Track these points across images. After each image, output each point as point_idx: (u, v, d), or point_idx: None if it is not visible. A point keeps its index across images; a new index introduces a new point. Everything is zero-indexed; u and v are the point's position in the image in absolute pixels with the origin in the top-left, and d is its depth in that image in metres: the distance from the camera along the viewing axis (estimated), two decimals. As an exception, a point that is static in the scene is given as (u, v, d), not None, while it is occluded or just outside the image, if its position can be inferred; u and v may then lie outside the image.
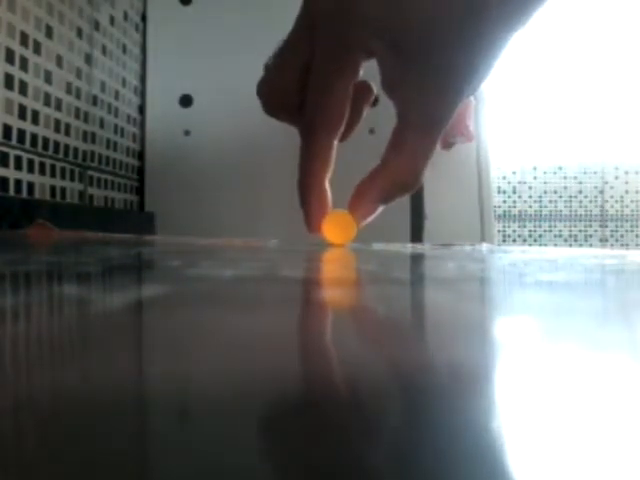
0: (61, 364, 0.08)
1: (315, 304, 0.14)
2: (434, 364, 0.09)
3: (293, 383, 0.07)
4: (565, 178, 2.53)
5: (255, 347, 0.09)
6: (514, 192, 2.55)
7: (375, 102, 0.38)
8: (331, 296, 0.16)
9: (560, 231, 2.54)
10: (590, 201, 2.53)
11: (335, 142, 0.35)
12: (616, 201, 2.53)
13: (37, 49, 0.76)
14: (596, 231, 2.54)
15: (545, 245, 2.54)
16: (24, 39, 0.73)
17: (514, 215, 2.56)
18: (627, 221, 2.53)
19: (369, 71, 0.34)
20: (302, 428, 0.06)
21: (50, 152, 0.79)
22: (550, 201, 2.54)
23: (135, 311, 0.12)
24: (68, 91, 0.84)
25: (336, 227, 0.36)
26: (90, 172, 0.91)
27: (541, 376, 0.07)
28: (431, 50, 0.31)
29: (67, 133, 0.84)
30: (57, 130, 0.81)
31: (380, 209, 0.35)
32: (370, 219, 0.36)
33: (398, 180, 0.34)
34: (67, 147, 0.84)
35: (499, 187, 2.52)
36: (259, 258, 0.32)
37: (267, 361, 0.08)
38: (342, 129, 0.35)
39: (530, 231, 2.55)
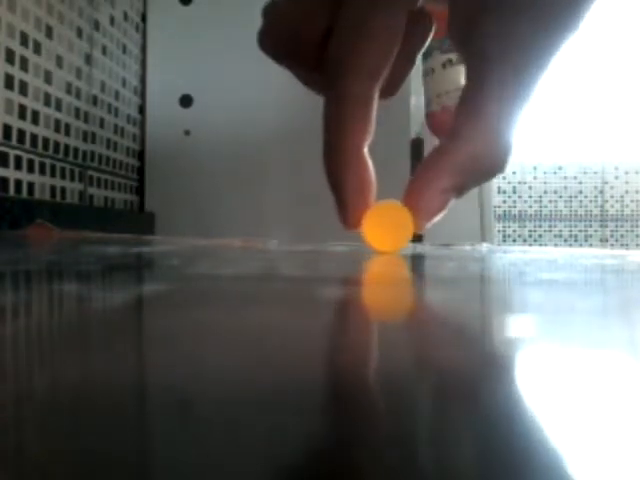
0: (61, 361, 0.08)
1: (311, 303, 0.14)
2: (432, 362, 0.09)
3: (291, 381, 0.07)
4: (565, 178, 2.53)
5: (253, 345, 0.09)
6: (514, 192, 2.55)
7: None
8: (329, 295, 0.16)
9: (560, 231, 2.54)
10: (590, 201, 2.53)
11: (376, 94, 0.24)
12: (616, 201, 2.53)
13: (37, 49, 0.75)
14: (596, 231, 2.53)
15: (545, 245, 2.54)
16: (24, 39, 0.73)
17: (514, 215, 2.56)
18: (627, 221, 2.53)
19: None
20: (303, 427, 0.06)
21: (50, 152, 0.79)
22: (550, 201, 2.54)
23: (134, 309, 0.12)
24: (68, 91, 0.84)
25: (384, 226, 0.25)
26: (90, 172, 0.91)
27: (540, 375, 0.07)
28: None
29: (67, 133, 0.84)
30: (57, 130, 0.81)
31: (452, 202, 0.25)
32: (438, 218, 0.25)
33: (479, 156, 0.24)
34: (67, 147, 0.84)
35: (499, 187, 2.52)
36: (258, 258, 0.32)
37: (265, 359, 0.08)
38: (385, 75, 0.24)
39: (530, 231, 2.55)
